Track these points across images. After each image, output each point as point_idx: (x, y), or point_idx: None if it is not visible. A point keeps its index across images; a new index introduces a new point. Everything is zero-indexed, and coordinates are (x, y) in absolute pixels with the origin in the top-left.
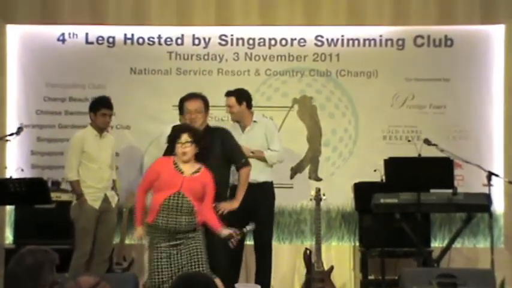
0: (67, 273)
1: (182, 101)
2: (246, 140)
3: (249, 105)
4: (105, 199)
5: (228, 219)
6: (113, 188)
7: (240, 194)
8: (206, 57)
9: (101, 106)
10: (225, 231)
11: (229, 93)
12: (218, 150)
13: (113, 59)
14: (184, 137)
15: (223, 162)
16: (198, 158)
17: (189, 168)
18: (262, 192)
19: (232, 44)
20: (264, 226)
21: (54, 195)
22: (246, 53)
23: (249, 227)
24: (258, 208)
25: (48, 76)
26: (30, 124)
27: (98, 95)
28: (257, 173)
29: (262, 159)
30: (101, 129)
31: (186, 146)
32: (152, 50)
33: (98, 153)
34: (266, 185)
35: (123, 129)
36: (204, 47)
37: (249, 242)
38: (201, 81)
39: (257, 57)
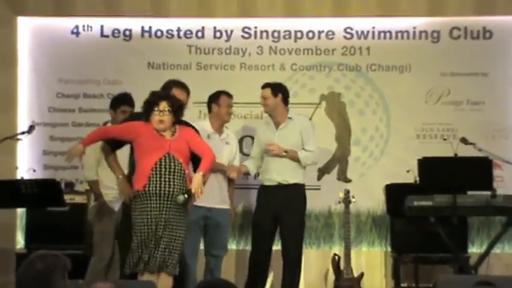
0: (81, 280)
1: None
2: (280, 137)
3: (285, 101)
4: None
5: (255, 222)
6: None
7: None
8: (228, 51)
9: (120, 103)
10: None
11: (265, 85)
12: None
13: (129, 53)
14: (163, 105)
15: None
16: None
17: (167, 133)
18: (293, 195)
19: (255, 37)
20: (293, 232)
21: (67, 198)
22: (270, 47)
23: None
24: (287, 211)
25: (61, 71)
26: (42, 122)
27: (114, 91)
28: (288, 174)
29: (296, 159)
30: None
31: (164, 114)
32: (171, 43)
33: (118, 152)
34: (297, 187)
35: None
36: (226, 40)
37: (276, 246)
38: (223, 76)
39: (282, 51)
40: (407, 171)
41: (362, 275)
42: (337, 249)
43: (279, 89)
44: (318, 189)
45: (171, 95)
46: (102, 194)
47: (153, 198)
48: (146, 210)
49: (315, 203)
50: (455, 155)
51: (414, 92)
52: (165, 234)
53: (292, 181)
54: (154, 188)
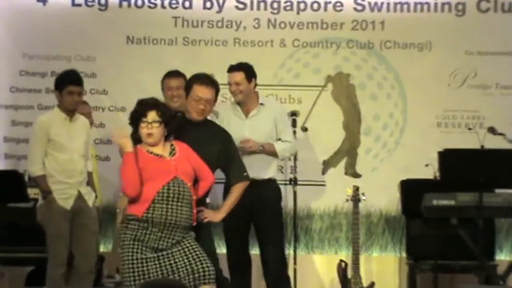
0: (45, 287)
1: (190, 81)
2: (251, 127)
3: (255, 84)
4: (79, 197)
5: (225, 223)
6: (89, 182)
7: (228, 207)
8: (220, 24)
9: (66, 83)
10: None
11: (236, 68)
12: (214, 154)
13: (105, 25)
14: (152, 116)
15: (211, 166)
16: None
17: (165, 150)
18: (267, 192)
19: (252, 8)
20: (272, 233)
21: (31, 192)
22: (269, 20)
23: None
24: (263, 211)
25: (25, 45)
26: (3, 104)
27: (87, 69)
28: (261, 168)
29: (273, 153)
30: (70, 111)
31: (152, 127)
32: (153, 14)
33: (68, 140)
34: (271, 183)
35: (117, 112)
36: (218, 12)
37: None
38: (214, 53)
39: (283, 25)
40: (426, 165)
41: (373, 284)
42: (344, 254)
43: (252, 73)
44: (323, 185)
45: (160, 102)
46: (51, 190)
47: (155, 227)
48: (143, 238)
49: (319, 201)
50: (482, 146)
51: (435, 73)
52: (176, 257)
53: (265, 176)
54: (157, 216)
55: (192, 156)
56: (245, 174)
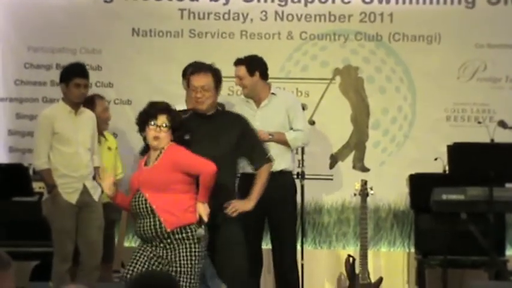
0: (51, 282)
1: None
2: (262, 117)
3: (264, 76)
4: (85, 191)
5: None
6: (95, 177)
7: (257, 194)
8: (227, 16)
9: (72, 75)
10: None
11: (238, 62)
12: (233, 141)
13: (110, 17)
14: (162, 119)
15: (233, 155)
16: (203, 147)
17: (154, 155)
18: (282, 184)
19: (259, 0)
20: (285, 227)
21: (36, 186)
22: (276, 11)
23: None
24: (277, 204)
25: (30, 38)
26: (7, 97)
27: (92, 62)
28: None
29: (284, 142)
30: (76, 104)
31: (161, 130)
32: (160, 6)
33: (74, 133)
34: (285, 175)
35: (123, 105)
36: (224, 4)
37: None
38: (220, 46)
39: (290, 17)
40: (435, 159)
41: (381, 280)
42: (352, 249)
43: (255, 66)
44: (330, 179)
45: (172, 108)
46: (56, 184)
47: (141, 239)
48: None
49: (327, 195)
50: (492, 140)
51: (444, 66)
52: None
53: (278, 168)
54: (137, 231)
55: (179, 157)
56: (268, 155)
